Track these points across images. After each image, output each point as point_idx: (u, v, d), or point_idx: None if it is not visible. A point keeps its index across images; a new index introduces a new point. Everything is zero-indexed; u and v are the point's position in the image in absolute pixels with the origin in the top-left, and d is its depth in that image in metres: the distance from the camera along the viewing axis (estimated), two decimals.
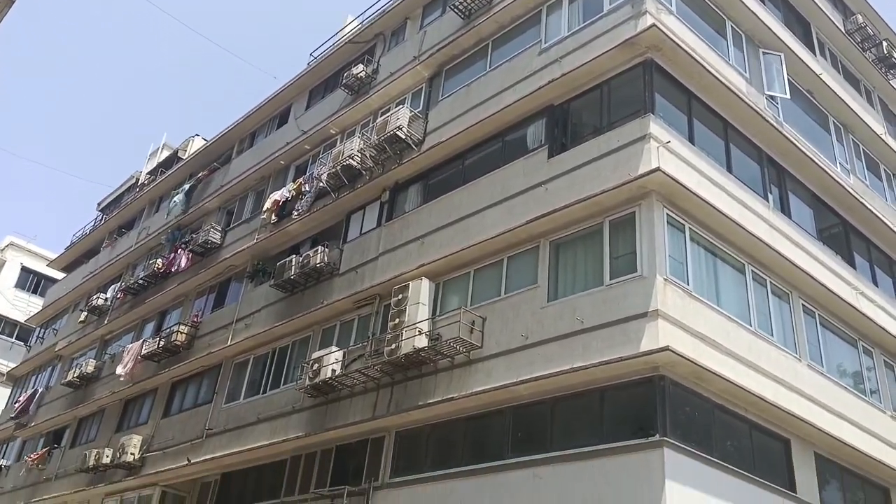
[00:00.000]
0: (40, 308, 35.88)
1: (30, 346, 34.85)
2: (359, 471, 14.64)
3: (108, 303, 27.78)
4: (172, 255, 24.58)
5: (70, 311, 31.84)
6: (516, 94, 15.29)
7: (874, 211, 17.10)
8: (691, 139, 13.42)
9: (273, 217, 20.71)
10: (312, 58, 23.96)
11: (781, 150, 15.35)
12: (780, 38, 16.41)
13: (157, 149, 35.26)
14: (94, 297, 28.66)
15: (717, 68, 14.25)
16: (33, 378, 32.31)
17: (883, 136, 19.36)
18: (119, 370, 23.39)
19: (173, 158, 31.88)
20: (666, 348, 10.72)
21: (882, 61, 21.03)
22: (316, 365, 15.85)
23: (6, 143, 75.96)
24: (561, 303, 12.61)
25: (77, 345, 29.05)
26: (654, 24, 13.10)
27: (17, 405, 30.53)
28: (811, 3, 18.72)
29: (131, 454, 20.93)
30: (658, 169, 11.96)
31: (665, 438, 10.39)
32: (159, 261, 25.04)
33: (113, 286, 28.22)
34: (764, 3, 16.92)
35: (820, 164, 15.96)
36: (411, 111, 17.83)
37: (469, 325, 13.55)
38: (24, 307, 40.81)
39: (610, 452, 10.82)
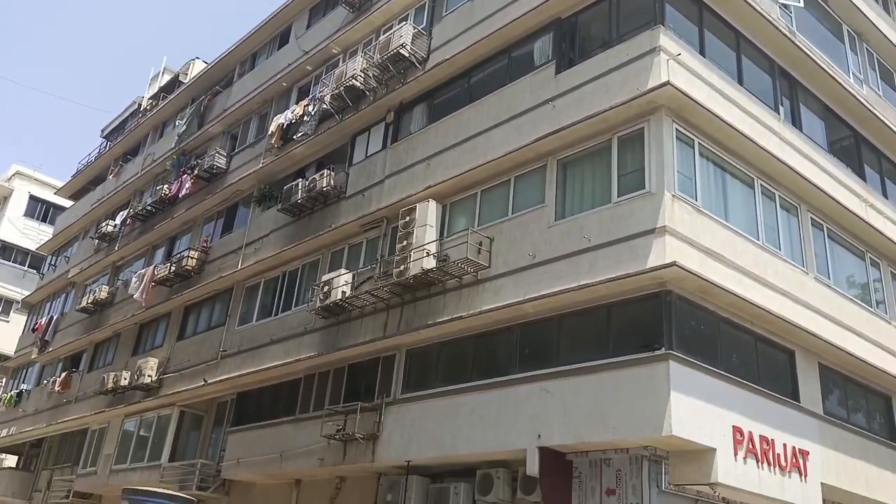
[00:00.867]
0: (51, 236, 36.16)
1: (42, 274, 35.31)
2: (371, 388, 15.02)
3: (118, 229, 27.94)
4: (178, 180, 24.57)
5: (81, 239, 32.10)
6: (522, 7, 14.87)
7: (887, 122, 16.82)
8: (702, 51, 13.10)
9: (279, 141, 20.55)
10: None
11: (794, 61, 14.99)
12: None
13: (158, 73, 34.82)
14: (104, 223, 28.83)
15: None
16: (48, 305, 32.88)
17: None
18: (134, 295, 23.75)
19: (174, 82, 31.50)
20: (673, 264, 10.78)
21: None
22: (326, 287, 16.04)
23: (5, 70, 74.90)
24: (568, 221, 12.61)
25: (89, 271, 29.39)
26: None
27: (35, 332, 31.19)
28: None
29: (149, 376, 21.49)
30: (668, 83, 11.72)
31: (671, 351, 10.57)
32: (166, 187, 25.06)
33: (121, 212, 28.32)
34: None
35: (833, 74, 15.62)
36: (414, 28, 17.40)
37: (477, 245, 13.61)
38: (35, 235, 41.11)
39: (616, 366, 11.03)
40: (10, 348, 35.30)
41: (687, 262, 11.01)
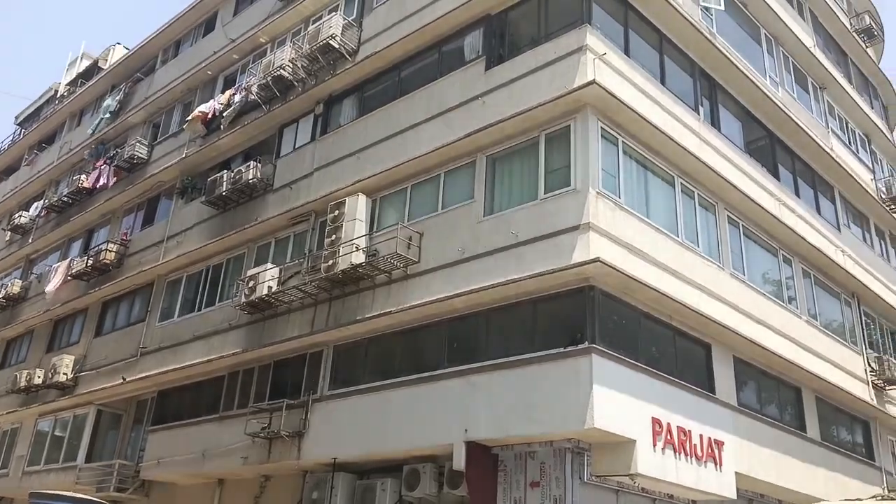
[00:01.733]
0: None
1: None
2: (297, 385, 14.81)
3: (32, 221, 26.81)
4: (97, 171, 23.68)
5: None
6: (453, 2, 14.85)
7: (800, 124, 17.55)
8: (627, 51, 13.38)
9: (201, 129, 20.02)
10: None
11: (714, 63, 15.47)
12: None
13: (76, 58, 33.49)
14: (17, 215, 27.60)
15: None
16: None
17: (812, 49, 19.70)
18: (47, 289, 22.79)
19: (93, 69, 30.45)
20: (596, 259, 10.99)
21: None
22: (252, 282, 15.73)
23: None
24: (497, 217, 12.70)
25: (1, 265, 28.08)
26: None
27: None
28: None
29: (64, 374, 20.72)
30: (594, 82, 11.92)
31: (594, 346, 10.78)
32: (83, 177, 24.11)
33: (36, 204, 27.17)
34: None
35: (750, 76, 16.19)
36: (345, 19, 17.20)
37: (406, 240, 13.57)
38: None
39: (541, 360, 11.19)
40: None
41: (610, 258, 11.24)
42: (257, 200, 17.78)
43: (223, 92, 20.25)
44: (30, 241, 26.66)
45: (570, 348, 10.98)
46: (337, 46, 16.79)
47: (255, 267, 16.41)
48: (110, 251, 21.30)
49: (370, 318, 13.77)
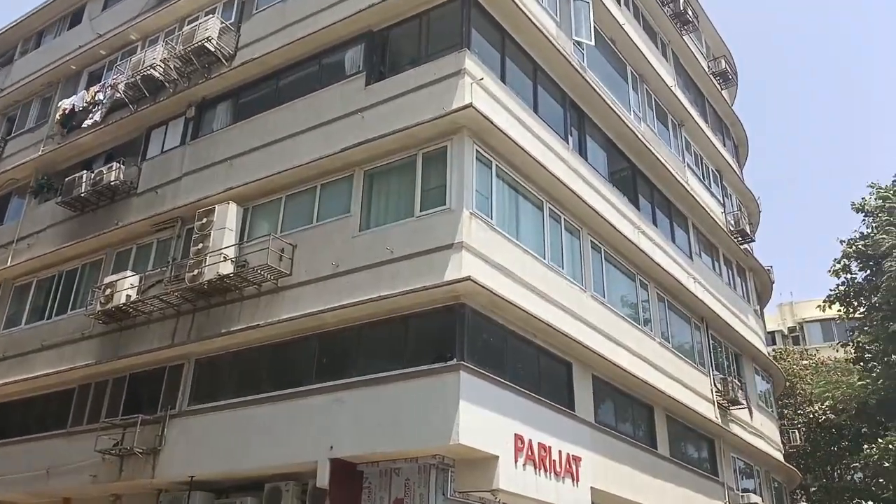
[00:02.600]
0: None
1: None
2: (154, 399, 14.13)
3: None
4: None
5: None
6: (335, 15, 14.82)
7: (659, 158, 18.73)
8: (503, 78, 13.82)
9: (60, 128, 18.88)
10: None
11: (583, 95, 16.25)
12: None
13: None
14: None
15: (530, 9, 14.70)
16: None
17: (673, 88, 21.12)
18: None
19: None
20: (467, 278, 11.23)
21: (678, 16, 22.85)
22: (108, 290, 14.92)
23: None
24: (372, 232, 12.72)
25: None
26: None
27: None
28: None
29: None
30: (470, 105, 12.23)
31: (462, 363, 10.98)
32: None
33: None
34: None
35: (616, 110, 17.13)
36: (222, 22, 16.75)
37: (278, 252, 13.32)
38: None
39: (410, 376, 11.27)
40: None
41: (480, 277, 11.52)
42: (119, 204, 16.92)
43: (87, 88, 19.18)
44: None
45: (438, 365, 11.12)
46: (213, 49, 16.32)
47: (113, 274, 15.58)
48: None
49: (236, 332, 13.38)
